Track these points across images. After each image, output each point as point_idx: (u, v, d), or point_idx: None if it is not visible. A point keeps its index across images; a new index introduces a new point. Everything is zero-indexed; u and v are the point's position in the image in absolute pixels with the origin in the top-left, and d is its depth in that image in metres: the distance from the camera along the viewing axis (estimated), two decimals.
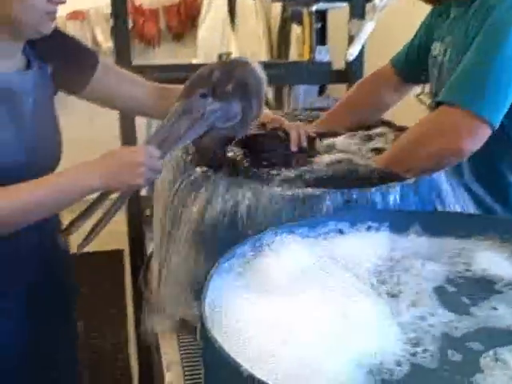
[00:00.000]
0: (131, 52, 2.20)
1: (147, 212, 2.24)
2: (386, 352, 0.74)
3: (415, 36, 1.61)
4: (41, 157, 1.27)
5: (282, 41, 3.82)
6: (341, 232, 1.03)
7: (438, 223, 1.05)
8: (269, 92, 3.24)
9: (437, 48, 1.47)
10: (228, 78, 1.22)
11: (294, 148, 1.36)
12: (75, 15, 4.38)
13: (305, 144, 1.38)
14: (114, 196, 1.19)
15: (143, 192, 2.18)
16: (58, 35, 1.34)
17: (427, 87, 1.73)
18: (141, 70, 1.60)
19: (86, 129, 3.81)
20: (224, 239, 1.08)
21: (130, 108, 1.55)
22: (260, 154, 1.33)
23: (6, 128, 1.19)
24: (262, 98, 1.28)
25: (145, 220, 2.25)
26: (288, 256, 0.94)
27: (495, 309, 0.84)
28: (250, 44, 4.05)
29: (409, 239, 1.04)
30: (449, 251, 1.00)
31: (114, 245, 2.61)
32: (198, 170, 1.20)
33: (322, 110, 1.74)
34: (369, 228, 1.04)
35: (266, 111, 1.39)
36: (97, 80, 1.40)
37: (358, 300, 0.83)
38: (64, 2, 1.21)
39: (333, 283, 0.87)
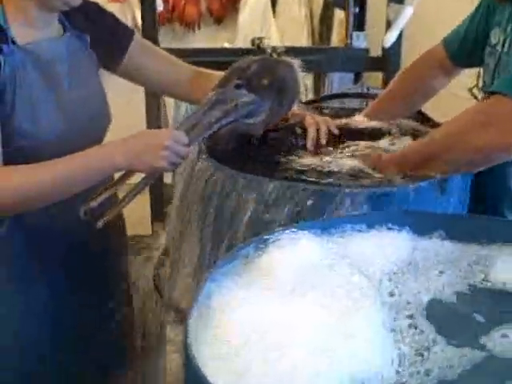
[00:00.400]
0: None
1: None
2: (373, 370, 0.68)
3: (473, 16, 1.43)
4: (83, 124, 1.27)
5: (323, 26, 3.72)
6: (359, 231, 0.97)
7: (462, 227, 0.97)
8: (308, 78, 3.16)
9: (496, 35, 1.32)
10: (266, 72, 1.24)
11: (309, 145, 1.32)
12: None
13: (323, 141, 1.33)
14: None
15: (168, 179, 2.14)
16: (96, 9, 1.36)
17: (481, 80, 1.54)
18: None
19: (122, 111, 3.82)
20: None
21: (163, 88, 1.56)
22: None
23: (44, 98, 1.21)
24: (293, 105, 1.29)
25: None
26: (297, 253, 0.89)
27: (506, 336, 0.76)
28: (290, 28, 3.96)
29: (430, 242, 0.96)
30: (469, 258, 0.92)
31: (138, 230, 2.60)
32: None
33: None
34: (389, 229, 0.97)
35: None
36: (131, 56, 1.40)
37: (359, 307, 0.77)
38: None
39: (337, 284, 0.82)
